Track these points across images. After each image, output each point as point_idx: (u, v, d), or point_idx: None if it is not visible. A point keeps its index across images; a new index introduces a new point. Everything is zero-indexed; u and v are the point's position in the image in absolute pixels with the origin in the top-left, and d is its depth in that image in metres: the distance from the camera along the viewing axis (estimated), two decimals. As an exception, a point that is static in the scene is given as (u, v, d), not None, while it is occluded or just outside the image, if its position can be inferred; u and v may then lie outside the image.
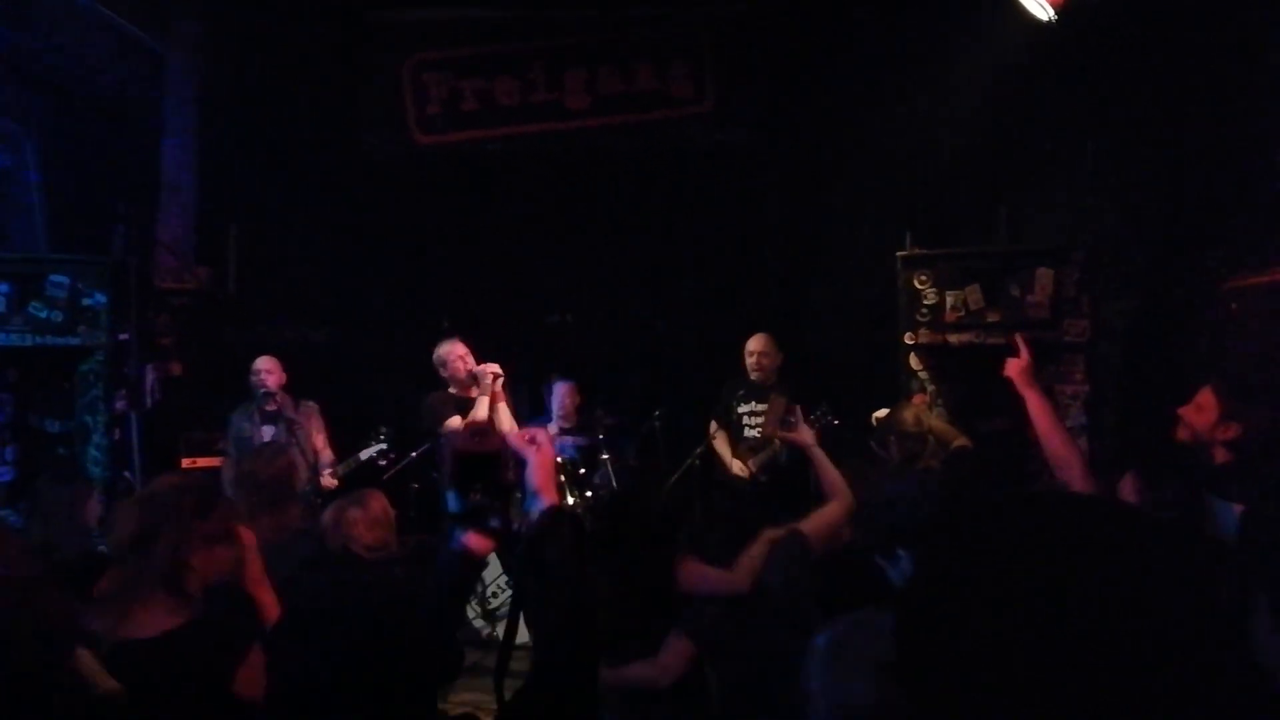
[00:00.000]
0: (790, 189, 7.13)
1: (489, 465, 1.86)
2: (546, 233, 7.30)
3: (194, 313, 6.35)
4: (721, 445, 5.67)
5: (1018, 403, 5.30)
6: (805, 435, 3.44)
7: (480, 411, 4.86)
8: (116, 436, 5.20)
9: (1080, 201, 5.51)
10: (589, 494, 5.79)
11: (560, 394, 6.05)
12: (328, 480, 5.39)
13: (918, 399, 5.20)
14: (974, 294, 5.32)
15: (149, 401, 5.63)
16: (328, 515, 3.29)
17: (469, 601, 5.08)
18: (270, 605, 2.46)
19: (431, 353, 5.45)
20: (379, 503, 3.30)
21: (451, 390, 5.28)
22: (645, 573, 2.80)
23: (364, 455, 5.64)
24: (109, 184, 6.02)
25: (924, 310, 5.41)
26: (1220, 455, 3.38)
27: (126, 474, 5.11)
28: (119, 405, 5.26)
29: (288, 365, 5.63)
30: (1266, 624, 2.07)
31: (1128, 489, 3.03)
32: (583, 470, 5.90)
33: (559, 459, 5.03)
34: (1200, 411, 3.41)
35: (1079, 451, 2.99)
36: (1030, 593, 0.88)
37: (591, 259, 7.38)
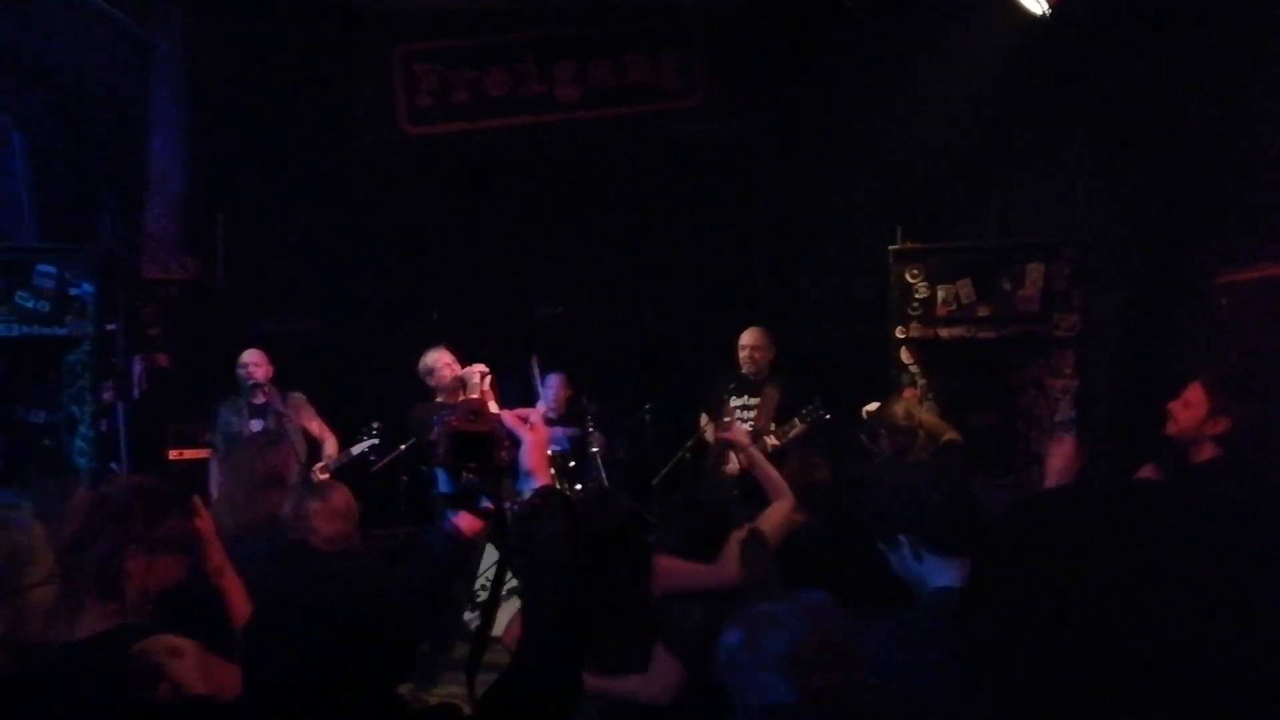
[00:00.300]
0: (781, 182, 7.13)
1: (482, 445, 1.85)
2: (537, 225, 7.29)
3: (181, 304, 6.32)
4: (713, 438, 5.67)
5: (1007, 397, 5.35)
6: (739, 435, 3.47)
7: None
8: (104, 428, 5.15)
9: (1071, 196, 5.52)
10: (579, 486, 5.78)
11: (551, 385, 6.04)
12: (319, 475, 5.37)
13: (908, 393, 5.20)
14: (965, 288, 5.32)
15: (136, 393, 5.59)
16: (287, 506, 3.21)
17: (456, 583, 5.06)
18: (235, 593, 2.40)
19: (420, 349, 5.45)
20: (341, 495, 3.22)
21: (439, 399, 5.28)
22: (619, 576, 2.79)
23: (355, 451, 5.64)
24: (96, 174, 5.96)
25: (915, 304, 5.41)
26: (1208, 450, 3.40)
27: (114, 466, 5.07)
28: (106, 396, 5.21)
29: (276, 357, 5.61)
30: None
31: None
32: (573, 463, 5.90)
33: (550, 450, 5.02)
34: (1189, 407, 3.43)
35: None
36: (1101, 576, 0.89)
37: (582, 251, 7.37)
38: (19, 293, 5.14)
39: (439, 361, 5.31)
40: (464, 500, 1.90)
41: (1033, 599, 2.11)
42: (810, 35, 6.73)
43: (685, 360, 7.01)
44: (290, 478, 3.75)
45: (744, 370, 5.58)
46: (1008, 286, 5.24)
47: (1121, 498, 2.75)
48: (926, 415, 4.62)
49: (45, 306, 5.16)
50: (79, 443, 5.10)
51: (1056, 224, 5.48)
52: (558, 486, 1.86)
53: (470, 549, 2.04)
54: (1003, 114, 5.77)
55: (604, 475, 5.80)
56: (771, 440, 5.22)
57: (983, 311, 5.29)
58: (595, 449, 5.86)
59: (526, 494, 1.76)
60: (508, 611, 5.21)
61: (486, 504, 1.90)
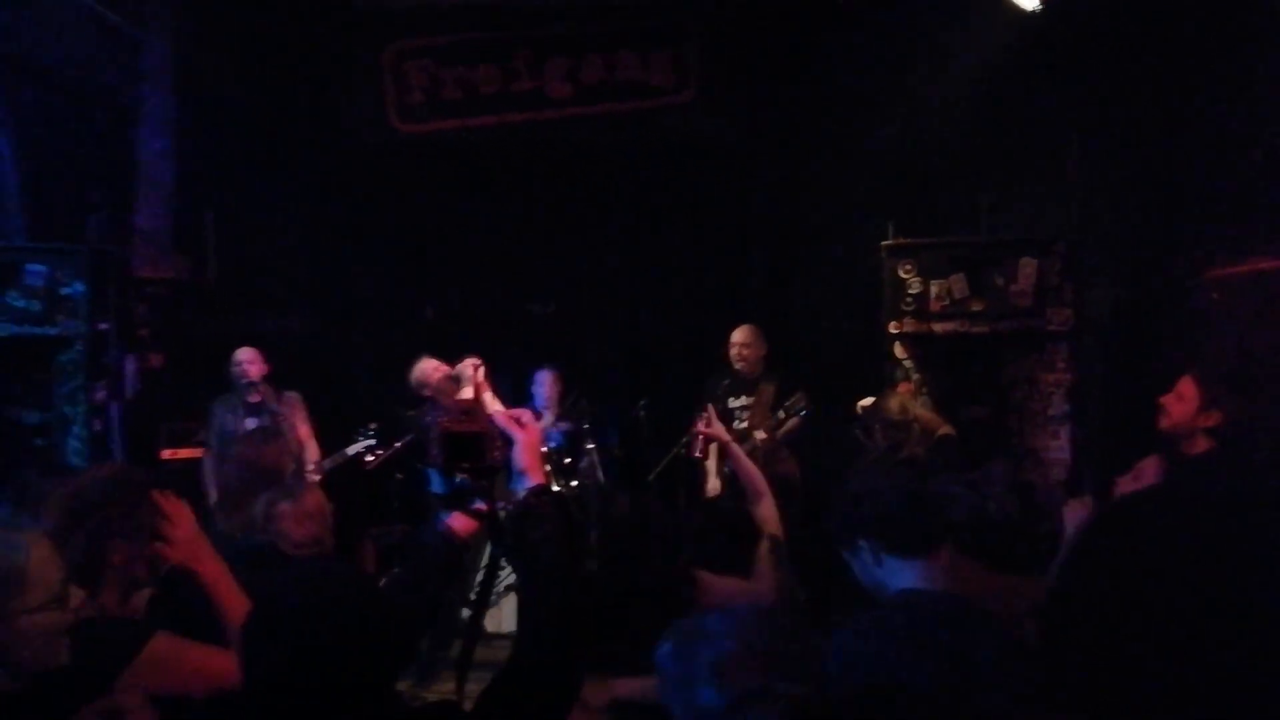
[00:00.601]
0: (774, 179, 7.13)
1: (475, 445, 1.85)
2: (529, 222, 7.27)
3: (172, 303, 6.28)
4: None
5: (1000, 392, 5.37)
6: (720, 431, 3.47)
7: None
8: (97, 428, 5.15)
9: (1064, 192, 5.54)
10: (574, 483, 5.79)
11: (542, 382, 6.04)
12: (312, 475, 5.35)
13: (903, 387, 5.22)
14: (958, 283, 5.35)
15: (129, 392, 5.56)
16: (258, 507, 3.10)
17: (453, 584, 5.06)
18: (215, 577, 2.30)
19: (413, 347, 5.45)
20: (313, 497, 3.13)
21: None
22: (654, 593, 2.80)
23: (351, 451, 5.59)
24: (86, 172, 5.93)
25: (909, 299, 5.43)
26: (1202, 443, 3.42)
27: (107, 466, 5.05)
28: (99, 396, 5.20)
29: (268, 355, 5.59)
30: None
31: (1150, 473, 3.06)
32: (568, 459, 5.90)
33: (544, 447, 5.03)
34: (1181, 400, 3.45)
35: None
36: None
37: (575, 249, 7.36)
38: (9, 292, 5.12)
39: (426, 369, 5.29)
40: (457, 500, 1.90)
41: (1129, 608, 2.13)
42: (803, 32, 6.73)
43: (679, 357, 7.02)
44: (287, 473, 3.74)
45: (735, 367, 5.59)
46: (1000, 281, 5.27)
47: (1215, 505, 2.78)
48: (921, 410, 4.64)
49: (36, 306, 5.14)
50: (72, 443, 5.09)
51: (1049, 219, 5.51)
52: (552, 485, 1.86)
53: (465, 548, 2.04)
54: (995, 110, 5.79)
55: (600, 472, 5.80)
56: (760, 435, 5.23)
57: (976, 306, 5.31)
58: (590, 445, 5.86)
59: (520, 493, 1.77)
60: (503, 609, 5.27)
61: (479, 504, 1.90)
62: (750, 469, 3.24)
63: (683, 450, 5.72)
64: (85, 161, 5.93)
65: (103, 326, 5.27)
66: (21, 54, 5.53)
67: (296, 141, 6.90)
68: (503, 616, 5.17)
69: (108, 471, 2.36)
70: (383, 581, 2.35)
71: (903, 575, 2.03)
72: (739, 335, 5.59)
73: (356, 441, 5.59)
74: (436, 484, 1.76)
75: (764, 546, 2.95)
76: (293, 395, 5.56)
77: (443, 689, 4.72)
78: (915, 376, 5.38)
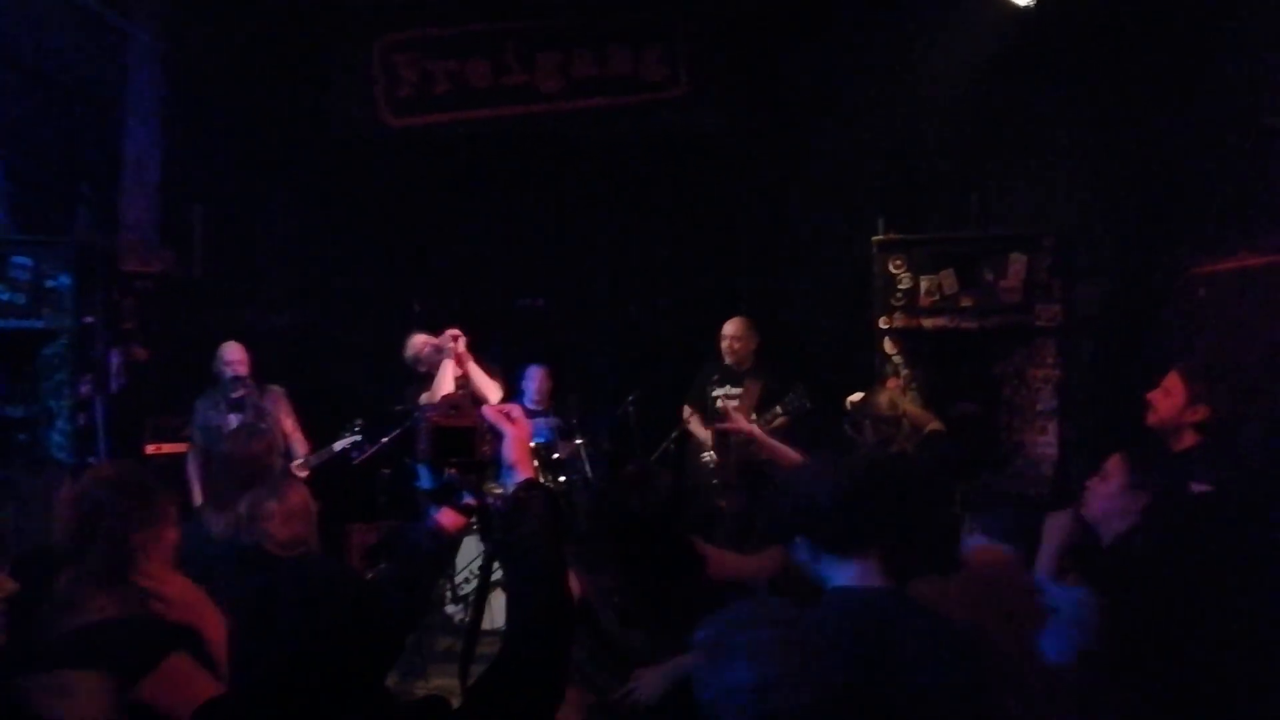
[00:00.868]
0: (764, 174, 7.12)
1: (464, 440, 1.83)
2: (519, 216, 7.25)
3: (158, 296, 6.24)
4: (696, 429, 5.67)
5: (989, 387, 5.38)
6: (742, 423, 3.48)
7: (445, 376, 4.82)
8: (81, 422, 5.11)
9: (1052, 187, 5.55)
10: (562, 478, 5.78)
11: (533, 378, 6.03)
12: (298, 472, 5.32)
13: (891, 383, 5.22)
14: (948, 279, 5.35)
15: (114, 386, 5.53)
16: (242, 506, 3.06)
17: (440, 580, 5.05)
18: (217, 633, 2.26)
19: (401, 342, 5.44)
20: (298, 495, 3.10)
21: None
22: (654, 567, 2.81)
23: (337, 447, 5.55)
24: (72, 165, 5.89)
25: (899, 295, 5.43)
26: (1188, 438, 3.44)
27: (92, 460, 5.01)
28: (84, 390, 5.16)
29: (254, 350, 5.55)
30: None
31: (1115, 472, 3.07)
32: (556, 454, 5.89)
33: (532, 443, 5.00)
34: (1168, 395, 3.47)
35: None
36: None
37: (564, 243, 7.34)
38: (-6, 285, 5.08)
39: (417, 342, 5.29)
40: (446, 496, 1.89)
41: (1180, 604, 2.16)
42: (793, 27, 6.72)
43: (669, 352, 7.01)
44: (274, 469, 3.72)
45: (726, 360, 5.59)
46: (990, 277, 5.27)
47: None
48: (910, 405, 4.63)
49: (21, 299, 5.10)
50: (56, 437, 5.06)
51: (1038, 216, 5.51)
52: (541, 480, 1.85)
53: (454, 545, 2.03)
54: (986, 106, 5.79)
55: (588, 467, 5.79)
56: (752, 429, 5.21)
57: (965, 302, 5.32)
58: (579, 440, 5.85)
59: (510, 488, 1.76)
60: (491, 605, 5.26)
61: (468, 499, 1.89)
62: (784, 451, 3.24)
63: (672, 445, 5.71)
64: (71, 154, 5.89)
65: (88, 320, 5.23)
66: (7, 45, 5.49)
67: (285, 135, 6.86)
68: (490, 612, 5.16)
69: (108, 471, 2.35)
70: (370, 576, 2.34)
71: (840, 572, 2.04)
72: (730, 327, 5.59)
73: (343, 438, 5.55)
74: (424, 479, 1.76)
75: None
76: (276, 389, 5.52)
77: (428, 684, 4.72)
78: (904, 372, 5.38)
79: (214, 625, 2.21)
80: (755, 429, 3.47)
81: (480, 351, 5.44)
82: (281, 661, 1.50)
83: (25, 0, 5.48)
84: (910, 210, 5.89)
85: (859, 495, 2.10)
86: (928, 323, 5.38)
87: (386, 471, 5.86)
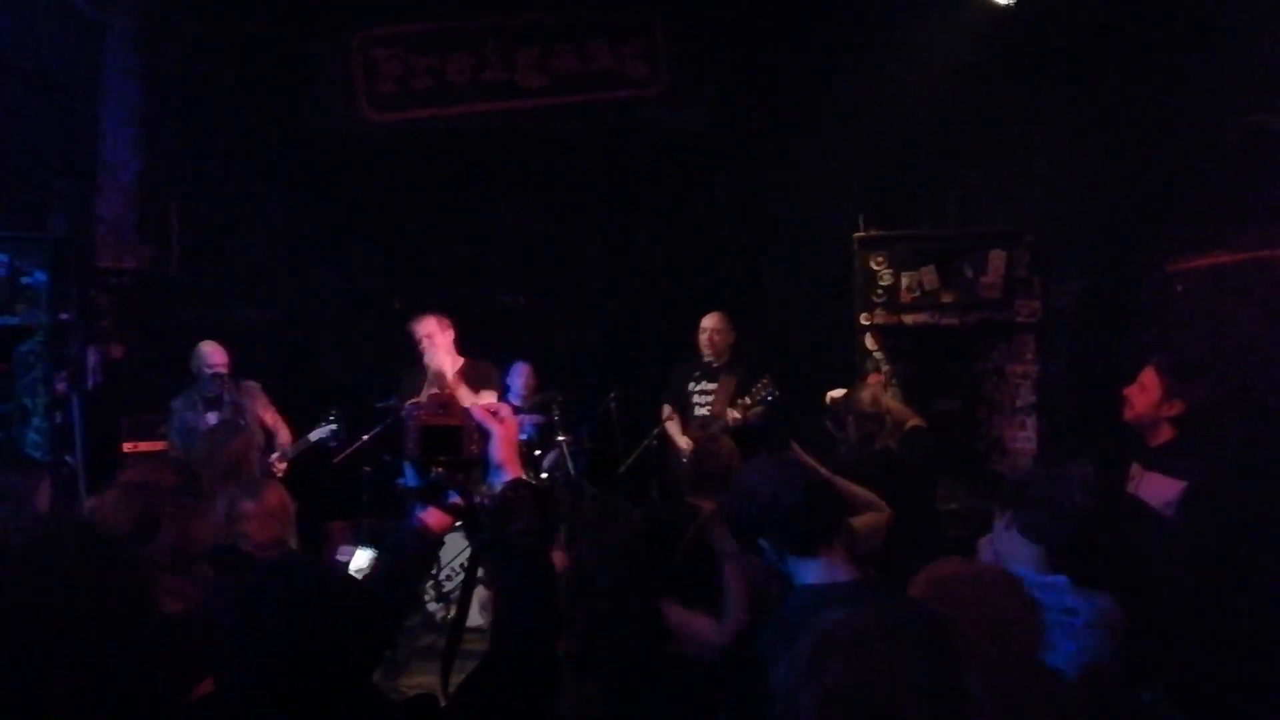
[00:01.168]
0: (745, 170, 7.13)
1: (451, 438, 1.83)
2: (499, 212, 7.22)
3: (135, 293, 6.19)
4: (674, 429, 5.67)
5: (969, 383, 5.41)
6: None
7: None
8: (57, 419, 5.05)
9: (1032, 185, 5.59)
10: (544, 475, 5.77)
11: (518, 374, 6.02)
12: (277, 465, 5.29)
13: (872, 378, 5.24)
14: (929, 275, 5.38)
15: (91, 384, 5.47)
16: (219, 506, 2.97)
17: (425, 579, 5.03)
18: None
19: (380, 338, 5.44)
20: (276, 494, 3.04)
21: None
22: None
23: (314, 437, 5.51)
24: (47, 160, 5.82)
25: (880, 291, 5.46)
26: (1165, 433, 3.46)
27: (68, 458, 4.96)
28: (60, 387, 5.11)
29: (233, 347, 5.51)
30: None
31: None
32: (537, 451, 5.88)
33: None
34: (1144, 391, 3.49)
35: None
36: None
37: (545, 239, 7.32)
38: (-32, 282, 5.02)
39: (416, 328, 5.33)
40: (432, 495, 1.88)
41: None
42: (775, 24, 6.73)
43: (650, 348, 7.02)
44: (252, 466, 3.70)
45: (704, 353, 5.60)
46: (970, 274, 5.31)
47: None
48: (891, 401, 4.66)
49: (-4, 295, 5.04)
50: (32, 435, 5.01)
51: (1018, 213, 5.55)
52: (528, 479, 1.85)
53: (440, 544, 2.03)
54: (966, 104, 5.83)
55: (570, 464, 5.78)
56: (734, 414, 5.23)
57: (946, 298, 5.35)
58: (561, 437, 5.84)
59: (497, 487, 1.76)
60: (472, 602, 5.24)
61: (455, 499, 1.88)
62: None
63: (653, 442, 5.71)
64: (48, 149, 5.82)
65: (64, 317, 5.18)
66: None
67: (263, 130, 6.80)
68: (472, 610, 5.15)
69: (165, 468, 2.35)
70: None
71: (807, 570, 2.06)
72: (708, 321, 5.61)
73: (319, 427, 5.52)
74: (411, 478, 1.76)
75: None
76: (252, 384, 5.48)
77: (411, 681, 4.70)
78: (885, 368, 5.41)
79: None
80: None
81: (461, 348, 5.44)
82: (270, 662, 1.49)
83: (-1, -7, 5.41)
84: (891, 207, 5.92)
85: (815, 492, 2.13)
86: (908, 319, 5.41)
87: (368, 469, 5.84)
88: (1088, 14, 5.00)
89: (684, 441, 5.50)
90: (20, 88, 5.78)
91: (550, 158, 7.14)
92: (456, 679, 1.66)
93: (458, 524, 1.97)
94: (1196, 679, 2.62)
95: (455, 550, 5.12)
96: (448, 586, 5.34)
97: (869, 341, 5.49)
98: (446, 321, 5.36)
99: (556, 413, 5.95)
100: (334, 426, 5.53)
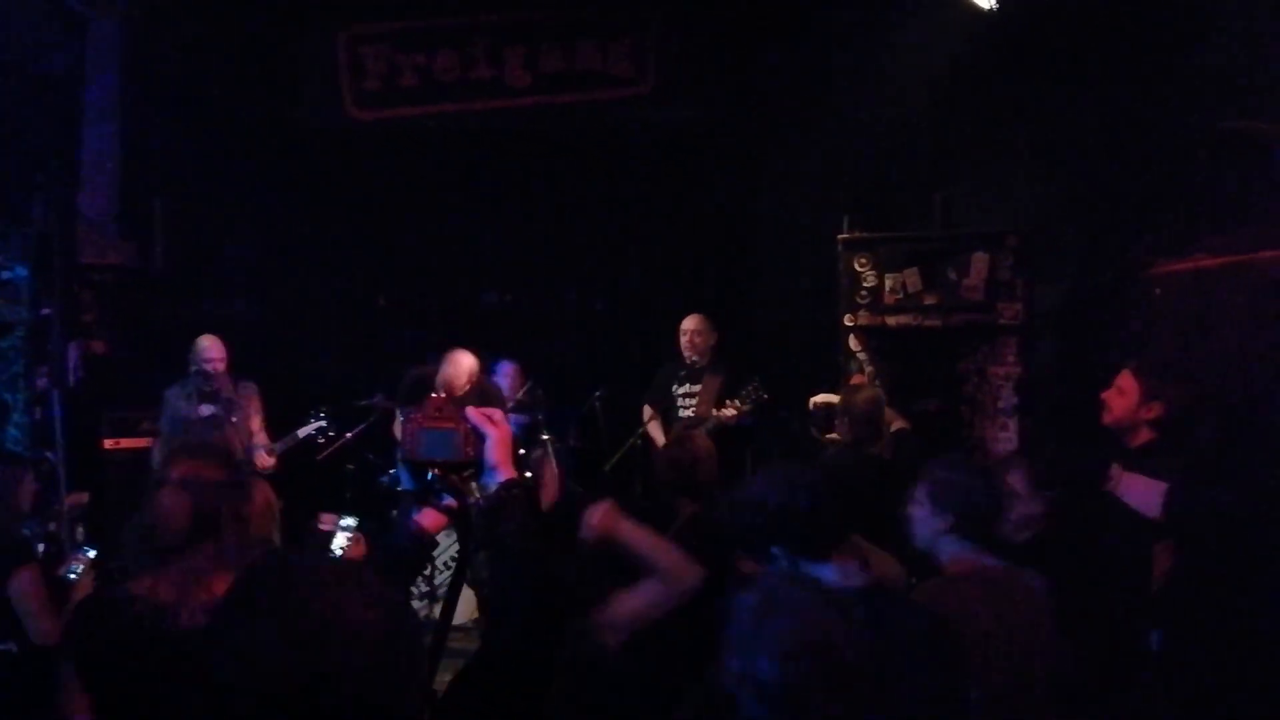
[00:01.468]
0: (731, 171, 7.15)
1: (447, 441, 1.85)
2: (485, 211, 7.22)
3: (118, 289, 6.15)
4: (655, 430, 5.68)
5: (951, 384, 5.44)
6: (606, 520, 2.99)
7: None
8: (38, 415, 5.02)
9: (1014, 188, 5.63)
10: (528, 474, 5.77)
11: (505, 374, 6.02)
12: (264, 459, 5.27)
13: (856, 379, 5.27)
14: (912, 277, 5.41)
15: (72, 380, 5.43)
16: None
17: (415, 581, 5.01)
18: None
19: (364, 335, 5.39)
20: (261, 494, 3.03)
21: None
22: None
23: (302, 433, 5.51)
24: (29, 154, 5.78)
25: (863, 292, 5.48)
26: (1144, 435, 3.50)
27: (49, 455, 4.92)
28: (41, 383, 5.07)
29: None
30: None
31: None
32: (522, 450, 5.88)
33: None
34: (1122, 394, 3.52)
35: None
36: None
37: (531, 238, 7.33)
38: (-52, 276, 4.98)
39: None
40: (427, 497, 1.91)
41: None
42: (761, 25, 6.75)
43: (636, 348, 7.03)
44: (237, 459, 3.68)
45: (686, 355, 5.61)
46: (953, 276, 5.33)
47: None
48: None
49: (-24, 290, 5.00)
50: (12, 431, 4.98)
51: (1001, 215, 5.59)
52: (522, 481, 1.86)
53: (434, 545, 2.05)
54: (949, 106, 5.86)
55: (555, 463, 5.78)
56: (727, 413, 5.25)
57: (929, 300, 5.37)
58: (546, 436, 5.84)
59: (492, 488, 1.78)
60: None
61: (449, 501, 1.90)
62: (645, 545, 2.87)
63: (638, 441, 5.72)
64: (30, 144, 5.78)
65: (45, 312, 5.15)
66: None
67: (248, 127, 6.77)
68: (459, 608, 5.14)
69: (218, 467, 2.31)
70: None
71: (820, 574, 2.07)
72: (689, 323, 5.63)
73: (307, 424, 5.51)
74: (406, 480, 1.78)
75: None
76: (249, 385, 5.48)
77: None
78: (869, 369, 5.43)
79: None
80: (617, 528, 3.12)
81: (445, 346, 5.42)
82: (263, 662, 1.49)
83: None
84: (876, 209, 5.94)
85: (828, 497, 2.14)
86: (892, 320, 5.44)
87: (351, 466, 5.82)
88: (1071, 18, 5.04)
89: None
90: (2, 81, 5.74)
91: (537, 157, 7.14)
92: (443, 678, 1.67)
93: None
94: (1179, 672, 2.66)
95: (443, 548, 5.11)
96: (435, 581, 5.34)
97: (853, 343, 5.51)
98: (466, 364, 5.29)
99: (540, 412, 5.95)
100: (322, 423, 5.53)
